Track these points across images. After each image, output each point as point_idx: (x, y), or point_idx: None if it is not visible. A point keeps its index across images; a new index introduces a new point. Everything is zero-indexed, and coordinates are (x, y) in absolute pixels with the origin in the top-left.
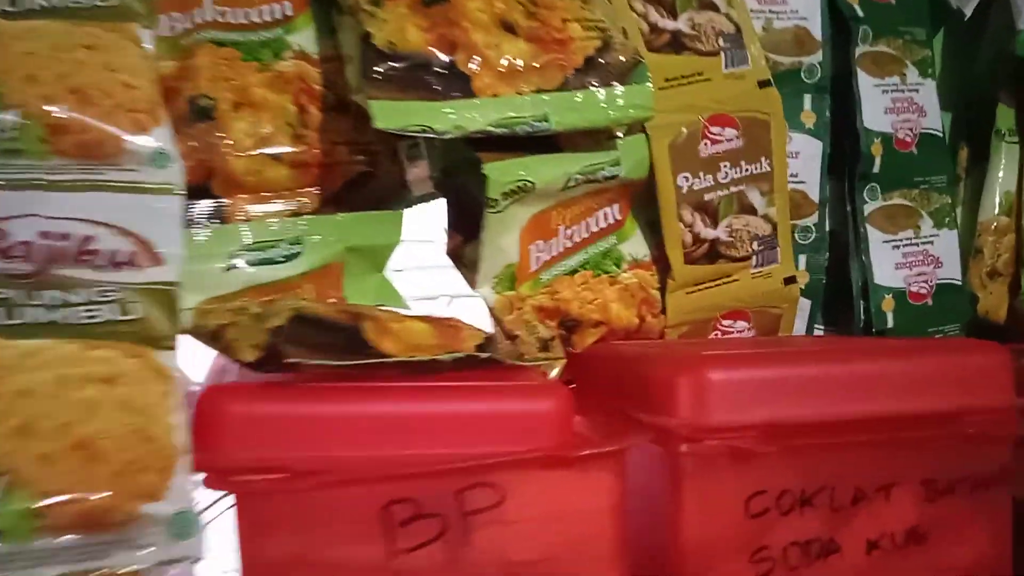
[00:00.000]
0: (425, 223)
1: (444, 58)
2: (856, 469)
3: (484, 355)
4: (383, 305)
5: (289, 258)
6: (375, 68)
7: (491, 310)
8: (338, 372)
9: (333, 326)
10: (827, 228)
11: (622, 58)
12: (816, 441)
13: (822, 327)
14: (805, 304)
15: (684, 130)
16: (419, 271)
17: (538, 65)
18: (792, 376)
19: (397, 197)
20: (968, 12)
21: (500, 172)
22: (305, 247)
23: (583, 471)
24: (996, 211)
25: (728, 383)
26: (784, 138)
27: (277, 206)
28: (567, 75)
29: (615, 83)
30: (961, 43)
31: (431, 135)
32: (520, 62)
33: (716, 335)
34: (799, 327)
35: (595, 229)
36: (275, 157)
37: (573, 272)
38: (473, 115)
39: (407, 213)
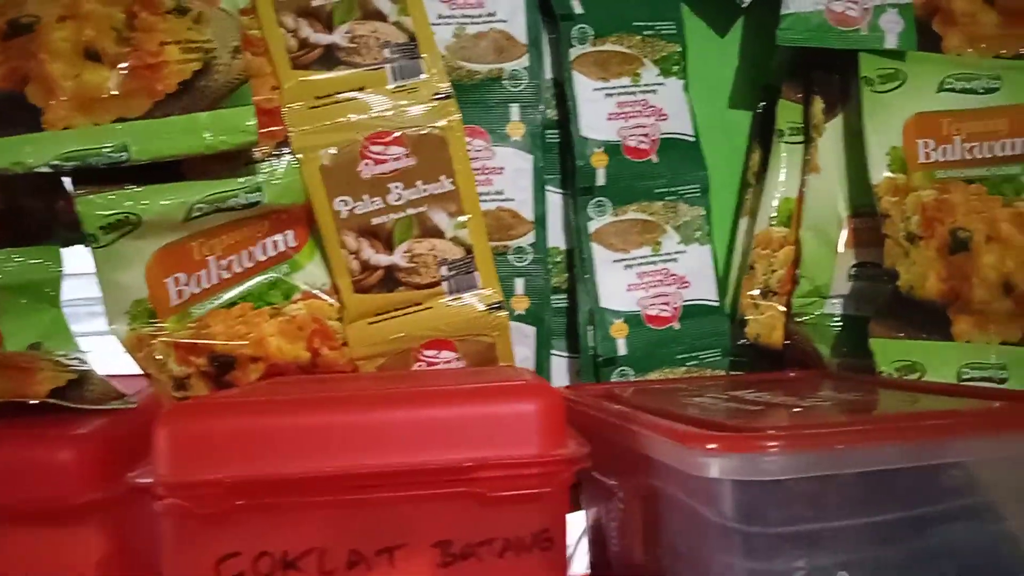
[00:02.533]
0: None
1: (14, 92)
2: (351, 530)
3: (55, 401)
4: (43, 343)
5: None
6: None
7: (124, 346)
8: None
9: None
10: (559, 247)
11: (223, 80)
12: (296, 499)
13: (566, 354)
14: (529, 331)
15: (336, 151)
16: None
17: (119, 93)
18: (273, 427)
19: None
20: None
21: (94, 206)
22: None
23: (67, 525)
24: (771, 222)
25: (200, 435)
26: (464, 154)
27: None
28: (156, 101)
29: (212, 107)
30: (757, 35)
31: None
32: (102, 91)
33: (421, 366)
34: (525, 355)
35: (261, 258)
36: None
37: (232, 304)
38: (38, 149)
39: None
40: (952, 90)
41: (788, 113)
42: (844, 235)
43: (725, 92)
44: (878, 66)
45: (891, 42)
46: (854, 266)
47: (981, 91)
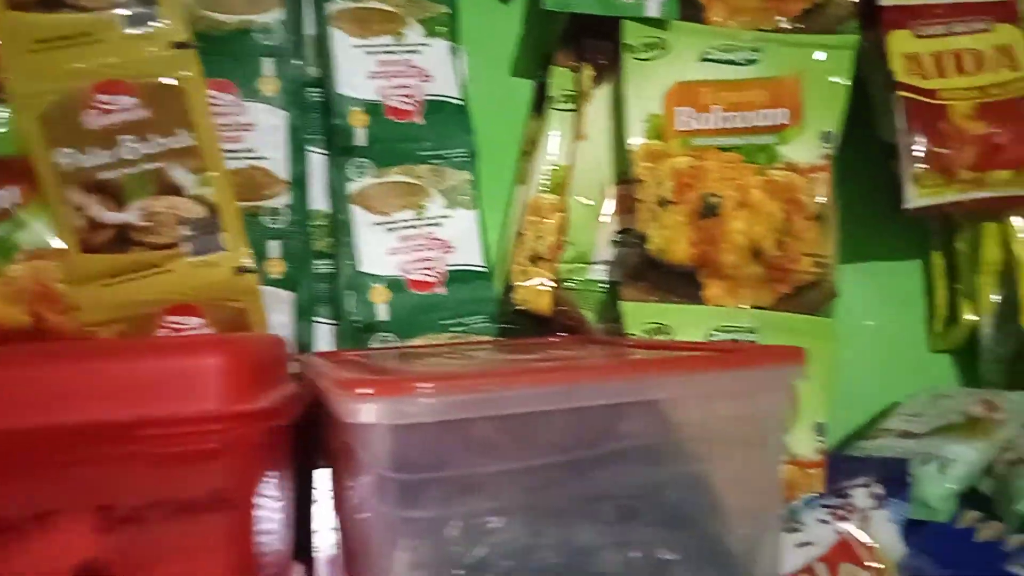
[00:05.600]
0: None
1: None
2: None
3: None
4: None
5: None
6: None
7: None
8: None
9: None
10: (322, 210)
11: None
12: None
13: (330, 321)
14: (286, 296)
15: (58, 99)
16: None
17: None
18: None
19: None
20: None
21: None
22: None
23: None
24: (541, 189)
25: None
26: (205, 107)
27: None
28: None
29: None
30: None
31: None
32: None
33: (165, 333)
34: (280, 321)
35: None
36: None
37: None
38: None
39: None
40: (713, 60)
41: (561, 80)
42: (608, 202)
43: (508, 60)
44: (642, 34)
45: (653, 10)
46: (617, 232)
47: (741, 62)
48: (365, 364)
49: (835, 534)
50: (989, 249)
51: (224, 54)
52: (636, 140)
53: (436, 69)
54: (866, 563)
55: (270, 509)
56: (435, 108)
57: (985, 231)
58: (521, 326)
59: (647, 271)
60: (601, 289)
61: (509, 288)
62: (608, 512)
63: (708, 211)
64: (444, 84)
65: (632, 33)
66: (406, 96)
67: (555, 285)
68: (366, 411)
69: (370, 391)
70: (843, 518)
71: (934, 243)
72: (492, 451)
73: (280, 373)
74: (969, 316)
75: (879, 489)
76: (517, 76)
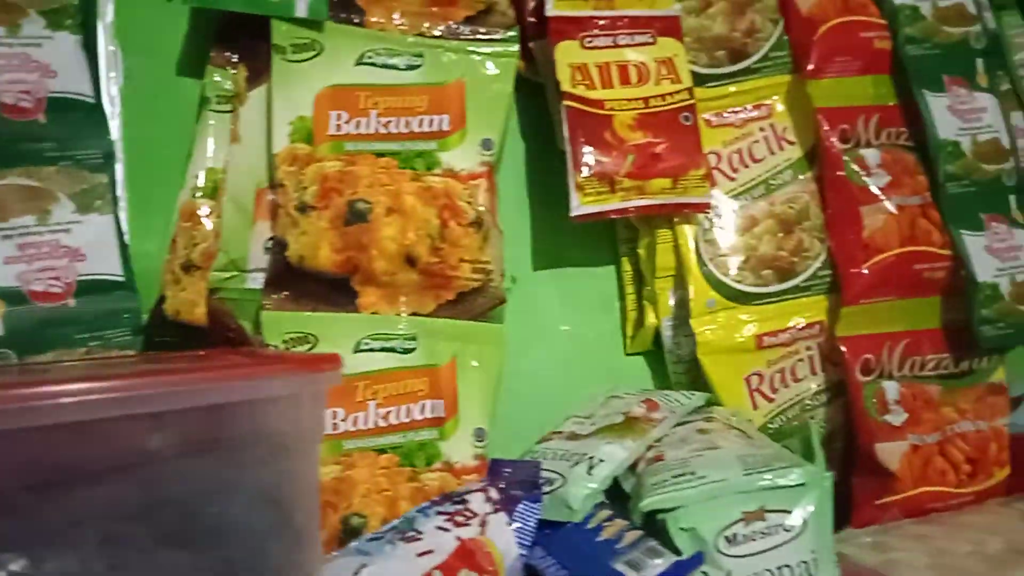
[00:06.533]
0: None
1: None
2: None
3: None
4: None
5: None
6: None
7: None
8: None
9: None
10: None
11: None
12: None
13: None
14: None
15: None
16: None
17: None
18: None
19: None
20: None
21: None
22: None
23: None
24: (195, 194)
25: None
26: None
27: None
28: None
29: None
30: None
31: None
32: None
33: None
34: None
35: None
36: None
37: None
38: None
39: None
40: (372, 64)
41: (216, 80)
42: (261, 207)
43: (173, 58)
44: (293, 35)
45: (301, 10)
46: (269, 239)
47: (403, 67)
48: None
49: (455, 540)
50: (662, 255)
51: None
52: (280, 143)
53: (62, 64)
54: (487, 568)
55: None
56: (60, 106)
57: (659, 237)
58: (179, 338)
59: (289, 279)
60: (259, 299)
61: (162, 298)
62: (93, 537)
63: (355, 217)
64: (73, 81)
65: (282, 34)
66: (23, 92)
67: (210, 295)
68: None
69: None
70: (462, 524)
71: (623, 249)
72: None
73: None
74: (652, 319)
75: (495, 493)
76: (183, 76)
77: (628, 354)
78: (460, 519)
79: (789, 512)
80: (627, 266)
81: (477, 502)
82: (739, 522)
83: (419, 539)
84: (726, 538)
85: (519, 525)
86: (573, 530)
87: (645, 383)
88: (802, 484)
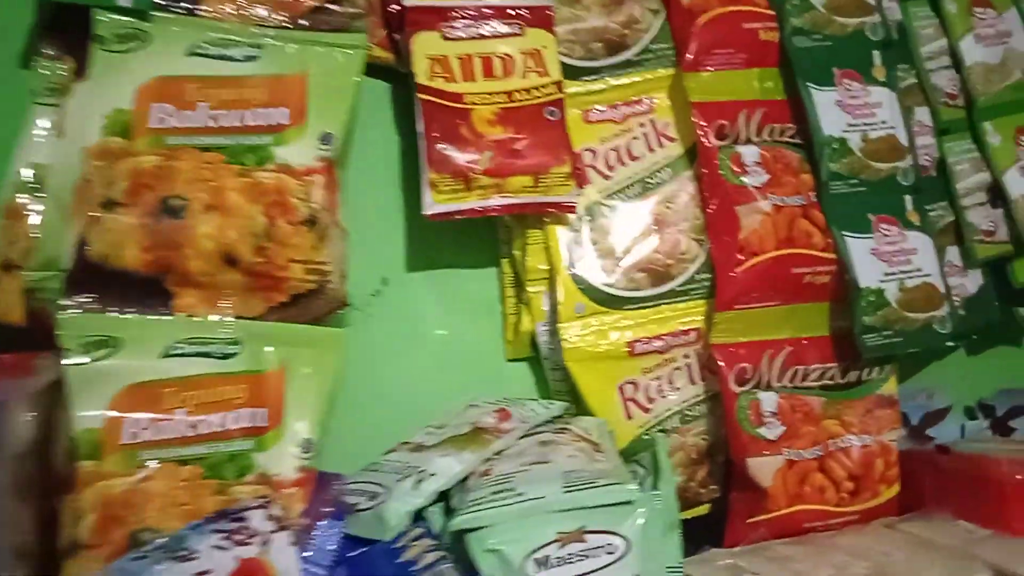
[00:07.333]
0: None
1: None
2: None
3: None
4: None
5: None
6: None
7: None
8: None
9: None
10: None
11: None
12: None
13: None
14: None
15: None
16: None
17: None
18: None
19: None
20: None
21: None
22: None
23: None
24: (21, 190)
25: None
26: None
27: None
28: None
29: None
30: None
31: None
32: None
33: None
34: None
35: None
36: None
37: None
38: None
39: None
40: (205, 55)
41: (43, 73)
42: None
43: (16, 50)
44: (116, 25)
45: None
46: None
47: (240, 58)
48: None
49: (234, 561)
50: (534, 257)
51: None
52: (92, 137)
53: None
54: None
55: None
56: None
57: (530, 238)
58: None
59: (93, 280)
60: None
61: None
62: None
63: (168, 214)
64: None
65: (104, 24)
66: None
67: (29, 294)
68: None
69: None
70: (242, 543)
71: (504, 250)
72: None
73: None
74: (527, 324)
75: (277, 511)
76: (23, 68)
77: (509, 360)
78: (239, 538)
79: (613, 533)
80: (508, 268)
81: (257, 519)
82: (553, 543)
83: (194, 559)
84: (536, 560)
85: (317, 545)
86: (380, 550)
87: (527, 390)
88: (628, 503)
